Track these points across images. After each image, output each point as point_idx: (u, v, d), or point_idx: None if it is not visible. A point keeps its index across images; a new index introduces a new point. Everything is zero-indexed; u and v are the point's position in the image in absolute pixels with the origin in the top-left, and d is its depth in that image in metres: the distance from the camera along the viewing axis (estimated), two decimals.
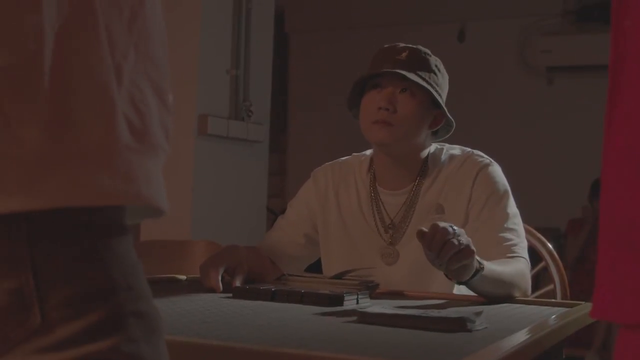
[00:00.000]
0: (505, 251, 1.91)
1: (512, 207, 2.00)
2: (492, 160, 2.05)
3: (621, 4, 0.78)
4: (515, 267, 1.87)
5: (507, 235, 1.94)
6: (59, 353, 0.73)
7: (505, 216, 1.96)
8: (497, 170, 2.03)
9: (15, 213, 0.70)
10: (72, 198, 0.72)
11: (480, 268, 1.72)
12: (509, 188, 2.02)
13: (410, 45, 2.04)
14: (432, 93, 1.96)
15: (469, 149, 2.09)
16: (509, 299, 1.85)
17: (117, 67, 0.79)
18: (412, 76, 1.95)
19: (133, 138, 0.78)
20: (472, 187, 1.99)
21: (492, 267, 1.78)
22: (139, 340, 0.78)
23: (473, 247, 1.67)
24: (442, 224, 1.65)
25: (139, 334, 0.78)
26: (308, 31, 6.79)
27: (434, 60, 2.03)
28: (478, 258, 1.72)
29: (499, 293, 1.82)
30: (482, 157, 2.05)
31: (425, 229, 1.67)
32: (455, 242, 1.63)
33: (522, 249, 1.95)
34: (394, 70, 1.96)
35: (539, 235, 2.32)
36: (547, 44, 6.01)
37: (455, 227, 1.67)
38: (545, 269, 2.31)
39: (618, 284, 0.74)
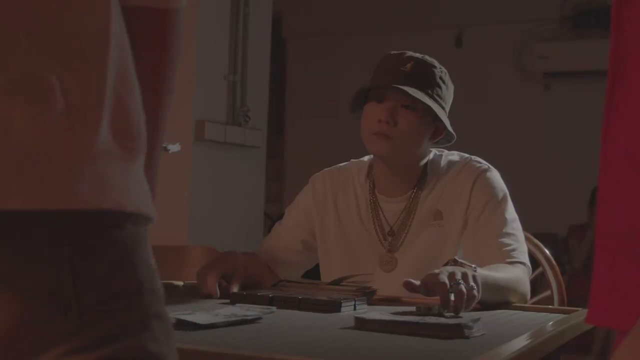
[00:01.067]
0: (504, 256, 1.91)
1: (511, 212, 2.00)
2: (491, 166, 2.06)
3: (621, 7, 0.78)
4: (513, 273, 1.87)
5: (506, 240, 1.94)
6: (92, 352, 0.75)
7: (504, 221, 1.96)
8: (495, 175, 2.03)
9: (54, 214, 0.72)
10: (102, 202, 0.75)
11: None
12: (507, 193, 2.02)
13: (416, 56, 2.02)
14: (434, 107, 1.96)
15: (467, 155, 2.09)
16: (506, 305, 1.84)
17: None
18: (414, 92, 1.94)
19: (116, 141, 0.80)
20: (470, 193, 1.99)
21: (487, 273, 1.77)
22: (162, 341, 0.81)
23: (473, 284, 1.63)
24: (448, 280, 1.61)
25: (161, 334, 0.81)
26: (305, 36, 6.79)
27: (439, 72, 2.02)
28: (472, 267, 1.70)
29: (494, 299, 1.81)
30: (480, 162, 2.06)
31: (412, 281, 1.64)
32: (463, 289, 1.60)
33: (522, 254, 1.95)
34: (397, 86, 1.95)
35: (536, 241, 2.32)
36: (544, 49, 6.01)
37: (458, 275, 1.63)
38: (543, 274, 2.31)
39: (616, 290, 0.74)
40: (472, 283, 1.62)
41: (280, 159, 6.80)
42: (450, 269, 1.65)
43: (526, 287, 1.91)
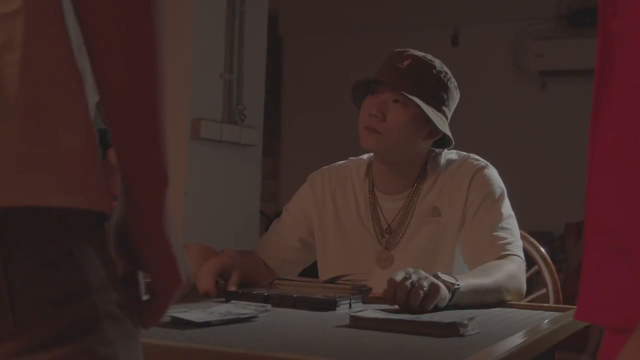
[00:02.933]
0: (499, 250, 1.92)
1: (508, 209, 2.00)
2: (488, 164, 2.06)
3: (608, 6, 0.78)
4: (506, 270, 1.87)
5: (501, 234, 1.94)
6: (31, 356, 0.72)
7: (500, 216, 1.97)
8: (493, 172, 2.04)
9: None
10: (36, 199, 0.71)
11: (455, 289, 1.69)
12: (504, 190, 2.03)
13: (417, 54, 2.02)
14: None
15: (465, 153, 2.09)
16: (501, 303, 1.85)
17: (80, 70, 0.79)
18: (404, 89, 1.94)
19: (91, 137, 0.77)
20: (468, 190, 2.00)
21: (472, 281, 1.77)
22: (114, 343, 0.76)
23: (437, 282, 1.64)
24: (398, 277, 1.63)
25: (114, 336, 0.77)
26: (302, 34, 6.79)
27: (438, 71, 2.01)
28: (450, 279, 1.69)
29: (485, 302, 1.81)
30: (478, 160, 2.06)
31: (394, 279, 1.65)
32: (420, 291, 1.61)
33: (517, 248, 1.95)
34: (385, 81, 1.96)
35: (532, 239, 2.32)
36: (540, 48, 6.02)
37: (411, 272, 1.64)
38: (539, 273, 2.31)
39: (604, 288, 0.75)
40: (424, 283, 1.62)
41: (276, 157, 6.80)
42: (411, 270, 1.67)
43: (520, 283, 1.91)
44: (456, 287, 1.69)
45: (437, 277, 1.68)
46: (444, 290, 1.66)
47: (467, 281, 1.75)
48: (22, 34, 0.72)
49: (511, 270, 1.88)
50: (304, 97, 6.73)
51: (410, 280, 1.62)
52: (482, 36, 6.26)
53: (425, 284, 1.62)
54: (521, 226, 2.05)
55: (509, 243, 1.93)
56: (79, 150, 0.76)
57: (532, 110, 6.12)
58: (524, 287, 1.93)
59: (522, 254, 1.96)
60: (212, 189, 3.71)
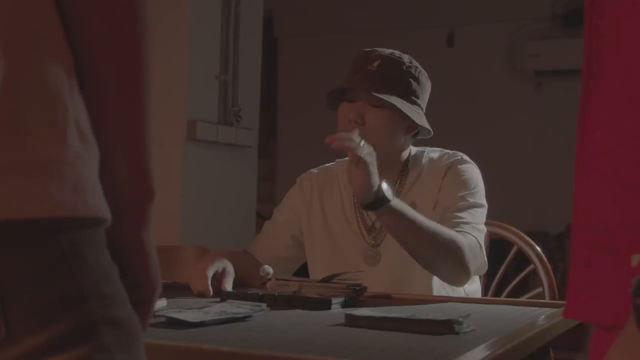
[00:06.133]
0: (454, 226, 1.93)
1: (479, 199, 2.01)
2: (470, 160, 2.08)
3: (594, 4, 0.78)
4: (452, 233, 1.88)
5: (462, 214, 1.95)
6: None
7: (467, 203, 1.98)
8: (470, 167, 2.06)
9: None
10: (19, 211, 0.70)
11: (387, 198, 1.80)
12: (481, 186, 2.04)
13: (385, 53, 2.05)
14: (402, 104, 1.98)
15: (448, 151, 2.12)
16: (434, 257, 1.86)
17: (68, 71, 0.77)
18: (378, 91, 1.97)
19: (82, 144, 0.76)
20: (442, 180, 2.03)
21: (412, 212, 1.83)
22: (112, 349, 0.75)
23: (368, 159, 1.78)
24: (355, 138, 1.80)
25: (112, 342, 0.75)
26: (297, 36, 6.79)
27: (408, 67, 2.04)
28: (388, 191, 1.80)
29: (415, 240, 1.85)
30: (458, 155, 2.08)
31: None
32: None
33: (474, 230, 1.95)
34: (359, 87, 1.99)
35: (528, 238, 2.32)
36: (535, 48, 6.02)
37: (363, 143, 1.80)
38: (535, 272, 2.31)
39: (592, 285, 0.75)
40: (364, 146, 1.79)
41: (272, 158, 6.79)
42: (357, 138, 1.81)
43: (462, 251, 1.87)
44: (385, 194, 1.80)
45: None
46: (375, 177, 1.80)
47: (406, 208, 1.84)
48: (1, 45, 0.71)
49: (456, 236, 1.88)
50: (299, 98, 6.72)
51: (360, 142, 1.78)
52: (478, 36, 6.26)
53: (362, 154, 1.78)
54: (517, 225, 2.06)
55: (467, 223, 1.95)
56: (69, 157, 0.74)
57: (528, 110, 6.12)
58: (468, 262, 1.89)
59: (479, 238, 1.95)
60: (208, 190, 3.71)
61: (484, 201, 2.03)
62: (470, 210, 1.98)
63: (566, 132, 5.77)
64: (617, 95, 0.76)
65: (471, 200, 2.00)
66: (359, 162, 1.78)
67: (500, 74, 6.24)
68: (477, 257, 1.93)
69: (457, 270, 1.90)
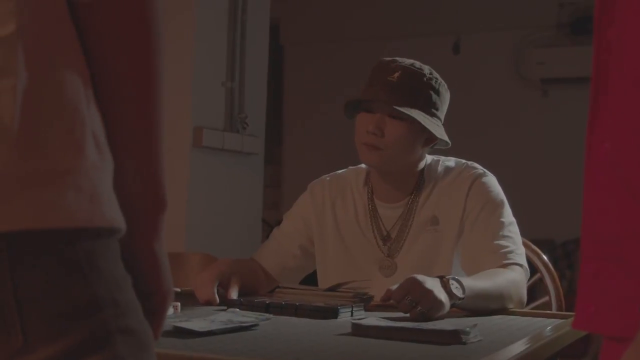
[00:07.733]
0: (500, 259, 1.92)
1: (508, 216, 2.00)
2: (487, 171, 2.06)
3: (604, 14, 0.78)
4: (507, 277, 1.87)
5: (503, 242, 1.94)
6: None
7: (500, 224, 1.97)
8: (491, 180, 2.04)
9: None
10: (37, 221, 0.70)
11: (458, 298, 1.72)
12: (504, 198, 2.03)
13: (405, 64, 2.01)
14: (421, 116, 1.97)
15: (464, 161, 2.10)
16: (502, 311, 1.85)
17: (85, 83, 0.77)
18: (399, 104, 1.94)
19: (98, 155, 0.76)
20: (466, 198, 2.00)
21: (473, 284, 1.78)
22: (127, 358, 0.76)
23: (439, 298, 1.65)
24: (393, 287, 1.67)
25: (126, 351, 0.76)
26: (303, 43, 6.80)
27: (429, 78, 2.01)
28: (458, 290, 1.71)
29: (488, 307, 1.82)
30: (476, 168, 2.06)
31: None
32: (407, 302, 1.64)
33: (519, 256, 1.95)
34: (379, 99, 1.96)
35: (534, 247, 2.32)
36: (541, 56, 6.02)
37: (414, 284, 1.66)
38: (541, 280, 2.31)
39: (601, 296, 0.74)
40: (424, 305, 1.64)
41: (278, 165, 6.80)
42: (420, 278, 1.68)
43: (522, 291, 1.91)
44: (459, 300, 1.71)
45: (445, 284, 1.68)
46: (442, 293, 1.67)
47: (470, 286, 1.75)
48: (17, 59, 0.71)
49: (513, 277, 1.88)
50: (305, 105, 6.73)
51: (409, 298, 1.64)
52: (484, 44, 6.26)
53: (425, 306, 1.64)
54: (523, 234, 2.05)
55: (511, 252, 1.93)
56: (86, 168, 0.74)
57: (534, 118, 6.11)
58: (525, 296, 1.93)
59: (524, 262, 1.96)
60: (214, 197, 3.71)
61: (512, 215, 2.03)
62: (510, 235, 1.97)
63: (572, 139, 5.78)
64: (626, 106, 0.75)
65: (505, 220, 1.98)
66: (434, 314, 1.67)
67: (506, 82, 6.24)
68: (526, 283, 1.95)
69: (517, 305, 1.91)
